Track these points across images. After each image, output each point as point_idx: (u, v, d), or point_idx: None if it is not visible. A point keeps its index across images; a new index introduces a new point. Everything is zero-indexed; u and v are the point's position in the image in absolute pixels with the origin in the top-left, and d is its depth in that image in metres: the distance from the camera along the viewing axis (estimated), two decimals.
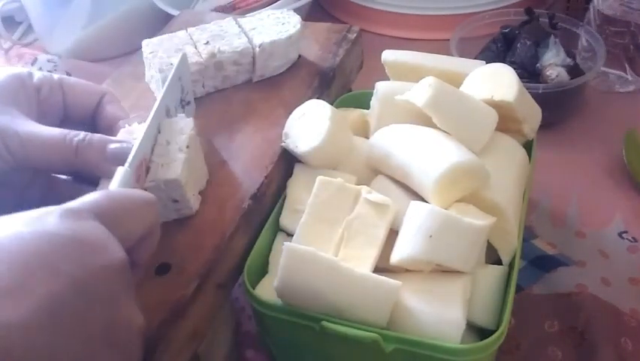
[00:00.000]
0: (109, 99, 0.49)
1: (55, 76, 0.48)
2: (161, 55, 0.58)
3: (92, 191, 0.35)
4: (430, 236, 0.42)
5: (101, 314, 0.30)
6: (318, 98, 0.56)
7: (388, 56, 0.58)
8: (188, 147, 0.46)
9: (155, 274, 0.43)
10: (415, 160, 0.47)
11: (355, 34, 0.66)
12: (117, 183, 0.38)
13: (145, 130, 0.44)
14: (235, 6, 0.88)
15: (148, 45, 0.60)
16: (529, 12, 0.76)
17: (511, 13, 0.79)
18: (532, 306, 0.54)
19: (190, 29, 0.61)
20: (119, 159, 0.42)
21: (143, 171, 0.43)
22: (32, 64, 0.87)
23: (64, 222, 0.31)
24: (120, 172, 0.39)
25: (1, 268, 0.28)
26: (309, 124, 0.52)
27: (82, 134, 0.43)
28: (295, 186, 0.52)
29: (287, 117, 0.54)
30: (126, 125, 0.47)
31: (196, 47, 0.59)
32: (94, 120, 0.49)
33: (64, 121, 0.48)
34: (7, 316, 0.26)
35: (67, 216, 0.31)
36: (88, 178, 0.45)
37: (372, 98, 0.55)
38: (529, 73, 0.71)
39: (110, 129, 0.48)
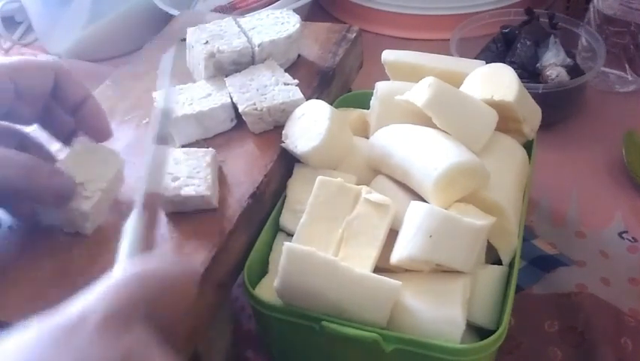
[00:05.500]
0: (65, 79, 0.47)
1: (3, 60, 0.45)
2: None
3: None
4: (430, 236, 0.42)
5: None
6: (317, 98, 0.56)
7: (388, 56, 0.58)
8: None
9: None
10: (415, 160, 0.47)
11: (355, 34, 0.66)
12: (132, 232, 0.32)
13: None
14: (235, 6, 0.88)
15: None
16: (529, 12, 0.76)
17: (511, 13, 0.79)
18: (532, 306, 0.54)
19: (190, 28, 0.61)
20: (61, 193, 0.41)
21: None
22: None
23: (104, 346, 0.25)
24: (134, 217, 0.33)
25: None
26: (308, 124, 0.52)
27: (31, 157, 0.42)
28: (295, 186, 0.52)
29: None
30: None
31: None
32: (55, 101, 0.48)
33: (19, 105, 0.46)
34: None
35: (107, 330, 0.26)
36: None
37: (372, 98, 0.55)
38: (529, 73, 0.71)
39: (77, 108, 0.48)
